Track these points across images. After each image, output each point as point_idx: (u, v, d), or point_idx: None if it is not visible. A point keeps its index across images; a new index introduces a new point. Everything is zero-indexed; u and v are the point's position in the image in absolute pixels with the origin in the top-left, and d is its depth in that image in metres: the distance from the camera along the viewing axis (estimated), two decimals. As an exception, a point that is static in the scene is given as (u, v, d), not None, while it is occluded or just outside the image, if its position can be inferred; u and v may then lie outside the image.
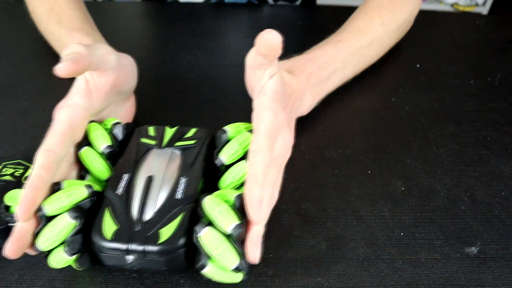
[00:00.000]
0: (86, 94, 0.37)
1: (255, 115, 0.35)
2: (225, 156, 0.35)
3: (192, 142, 0.36)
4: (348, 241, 0.38)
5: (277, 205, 0.40)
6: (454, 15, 0.81)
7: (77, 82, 0.38)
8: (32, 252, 0.31)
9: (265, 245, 0.37)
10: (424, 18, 0.69)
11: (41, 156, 0.32)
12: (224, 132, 0.36)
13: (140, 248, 0.29)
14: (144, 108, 0.50)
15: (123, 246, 0.30)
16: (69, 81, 0.54)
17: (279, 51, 0.32)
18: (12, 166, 0.39)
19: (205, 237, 0.30)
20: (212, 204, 0.31)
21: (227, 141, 0.36)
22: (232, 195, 0.31)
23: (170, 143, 0.36)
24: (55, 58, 0.58)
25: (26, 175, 0.38)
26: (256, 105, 0.36)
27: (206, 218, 0.31)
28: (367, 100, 0.52)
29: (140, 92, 0.53)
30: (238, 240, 0.30)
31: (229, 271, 0.30)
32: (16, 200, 0.34)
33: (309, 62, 0.46)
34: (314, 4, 0.80)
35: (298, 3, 0.73)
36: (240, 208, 0.31)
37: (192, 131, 0.38)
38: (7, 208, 0.35)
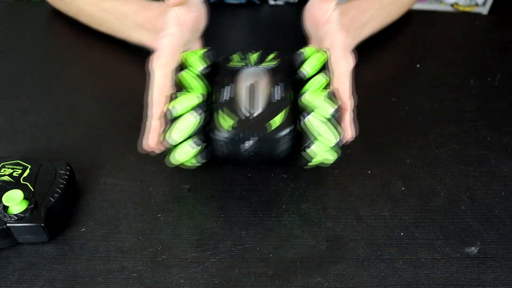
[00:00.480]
0: (180, 25, 0.43)
1: (327, 38, 0.43)
2: (307, 69, 0.41)
3: (275, 62, 0.43)
4: (348, 241, 0.38)
5: (277, 205, 0.40)
6: (454, 15, 0.81)
7: (170, 17, 0.43)
8: (160, 149, 0.39)
9: (265, 245, 0.37)
10: (424, 18, 0.69)
11: (157, 74, 0.39)
12: (301, 52, 0.42)
13: (256, 134, 0.36)
14: (144, 108, 0.50)
15: (241, 134, 0.36)
16: (69, 82, 0.54)
17: None
18: (10, 166, 0.39)
19: (311, 121, 0.37)
20: (312, 97, 0.38)
21: (304, 60, 0.42)
22: (323, 92, 0.38)
23: (257, 64, 0.43)
24: (55, 58, 0.58)
25: (24, 175, 0.38)
26: (326, 30, 0.43)
27: (309, 108, 0.37)
28: (367, 100, 0.52)
29: (141, 92, 0.53)
30: (335, 124, 0.37)
31: (329, 149, 0.38)
32: (15, 200, 0.34)
33: (350, 8, 0.54)
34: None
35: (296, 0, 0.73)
36: (331, 99, 0.38)
37: (272, 55, 0.44)
38: (6, 208, 0.35)
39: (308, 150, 0.37)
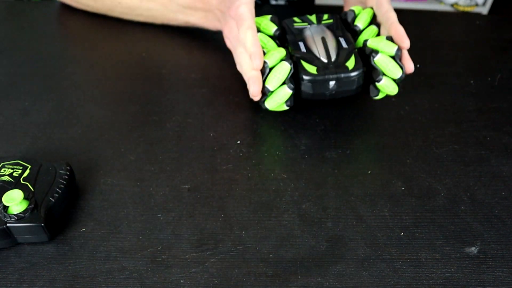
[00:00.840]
0: None
1: (379, 7, 0.49)
2: (360, 22, 0.49)
3: (331, 20, 0.51)
4: (348, 241, 0.38)
5: (277, 205, 0.40)
6: (454, 15, 0.81)
7: None
8: (259, 96, 0.45)
9: (265, 245, 0.37)
10: (424, 18, 0.69)
11: (249, 34, 0.45)
12: (352, 10, 0.50)
13: (338, 75, 0.44)
14: (144, 107, 0.50)
15: (327, 76, 0.44)
16: (69, 82, 0.54)
17: None
18: (10, 166, 0.39)
19: (380, 59, 0.45)
20: (376, 42, 0.46)
21: (356, 16, 0.50)
22: (383, 37, 0.46)
23: (318, 23, 0.51)
24: (55, 58, 0.58)
25: (24, 175, 0.38)
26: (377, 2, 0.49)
27: (375, 49, 0.45)
28: (367, 100, 0.52)
29: (141, 92, 0.53)
30: (398, 59, 0.45)
31: (394, 82, 0.46)
32: (15, 200, 0.34)
33: None
34: (313, 3, 0.80)
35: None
36: (392, 41, 0.46)
37: (326, 15, 0.52)
38: (6, 208, 0.35)
39: (378, 84, 0.45)
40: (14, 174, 0.38)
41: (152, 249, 0.37)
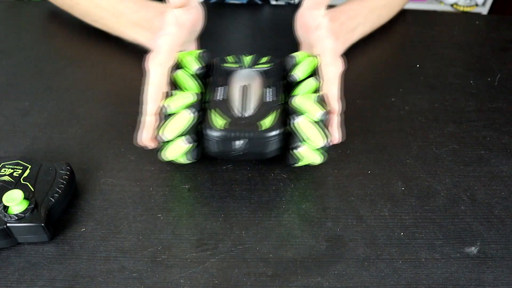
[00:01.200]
0: (178, 26, 0.44)
1: (317, 44, 0.44)
2: (298, 73, 0.42)
3: (268, 65, 0.44)
4: (348, 241, 0.38)
5: (277, 205, 0.40)
6: (454, 15, 0.81)
7: (169, 18, 0.44)
8: (154, 144, 0.40)
9: (265, 245, 0.37)
10: (424, 18, 0.69)
11: (154, 71, 0.41)
12: (293, 57, 0.44)
13: (247, 134, 0.37)
14: (140, 105, 0.50)
15: (233, 134, 0.37)
16: (69, 82, 0.54)
17: None
18: (10, 166, 0.39)
19: (300, 123, 0.38)
20: (301, 100, 0.39)
21: (296, 64, 0.43)
22: (313, 96, 0.40)
23: (251, 66, 0.44)
24: (55, 58, 0.58)
25: (24, 175, 0.38)
26: (316, 37, 0.45)
27: (298, 111, 0.39)
28: (367, 100, 0.52)
29: (140, 92, 0.53)
30: (323, 127, 0.39)
31: (317, 151, 0.39)
32: (15, 200, 0.34)
33: (340, 13, 0.54)
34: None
35: (296, 1, 0.73)
36: (320, 103, 0.39)
37: (265, 58, 0.45)
38: (6, 208, 0.35)
39: (296, 151, 0.39)
40: (14, 174, 0.38)
41: (152, 249, 0.37)
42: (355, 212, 0.40)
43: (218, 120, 0.38)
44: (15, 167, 0.39)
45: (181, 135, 0.38)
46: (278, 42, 0.62)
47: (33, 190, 0.37)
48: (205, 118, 0.39)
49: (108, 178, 0.42)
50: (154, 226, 0.38)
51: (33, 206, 0.35)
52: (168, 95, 0.40)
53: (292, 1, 0.72)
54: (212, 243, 0.37)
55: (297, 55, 0.44)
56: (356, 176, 0.43)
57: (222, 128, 0.37)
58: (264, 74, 0.43)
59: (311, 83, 0.42)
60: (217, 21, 0.67)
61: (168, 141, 0.38)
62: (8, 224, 0.34)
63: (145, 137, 0.40)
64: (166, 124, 0.38)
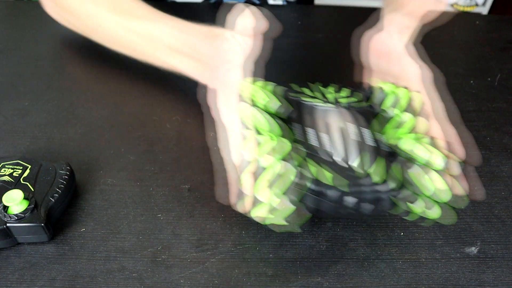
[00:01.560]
0: (245, 56, 0.37)
1: (407, 74, 0.38)
2: (394, 110, 0.37)
3: (355, 99, 0.38)
4: (348, 241, 0.38)
5: (277, 205, 0.40)
6: (454, 15, 0.81)
7: (234, 45, 0.37)
8: (247, 208, 0.33)
9: (265, 245, 0.37)
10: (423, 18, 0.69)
11: (233, 117, 0.34)
12: (382, 89, 0.38)
13: (364, 191, 0.31)
14: (144, 107, 0.50)
15: (346, 189, 0.31)
16: (69, 82, 0.54)
17: None
18: (10, 166, 0.39)
19: (418, 174, 0.32)
20: (412, 144, 0.33)
21: (385, 97, 0.38)
22: (422, 138, 0.34)
23: (336, 100, 0.37)
24: (55, 58, 0.58)
25: (24, 175, 0.38)
26: (403, 65, 0.39)
27: (410, 156, 0.33)
28: (367, 100, 0.52)
29: (141, 92, 0.53)
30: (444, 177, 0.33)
31: (435, 203, 0.33)
32: (15, 200, 0.34)
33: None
34: (312, 4, 0.80)
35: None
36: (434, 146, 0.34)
37: (345, 90, 0.39)
38: (6, 208, 0.35)
39: (411, 205, 0.33)
40: (14, 174, 0.38)
41: (152, 249, 0.37)
42: (355, 212, 0.40)
43: (326, 174, 0.32)
44: (15, 167, 0.39)
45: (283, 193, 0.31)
46: (278, 41, 0.62)
47: (33, 190, 0.37)
48: (306, 171, 0.32)
49: (108, 178, 0.42)
50: (154, 226, 0.38)
51: (33, 206, 0.35)
52: (255, 142, 0.33)
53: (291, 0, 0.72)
54: (212, 243, 0.37)
55: (385, 86, 0.39)
56: (356, 176, 0.43)
57: (332, 184, 0.31)
58: (353, 109, 0.36)
59: (408, 119, 0.36)
60: (216, 21, 0.67)
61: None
62: (8, 224, 0.34)
63: (241, 206, 0.33)
64: (262, 181, 0.31)
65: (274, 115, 0.35)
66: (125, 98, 0.52)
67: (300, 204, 0.32)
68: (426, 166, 0.33)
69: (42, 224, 0.35)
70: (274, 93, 0.37)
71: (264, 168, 0.32)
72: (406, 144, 0.34)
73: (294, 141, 0.34)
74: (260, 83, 0.38)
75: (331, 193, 0.31)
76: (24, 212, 0.35)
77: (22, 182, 0.37)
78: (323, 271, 0.35)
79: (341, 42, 0.59)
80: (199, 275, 0.35)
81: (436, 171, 0.33)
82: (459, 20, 0.71)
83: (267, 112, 0.35)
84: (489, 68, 0.58)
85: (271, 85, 0.37)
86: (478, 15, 0.73)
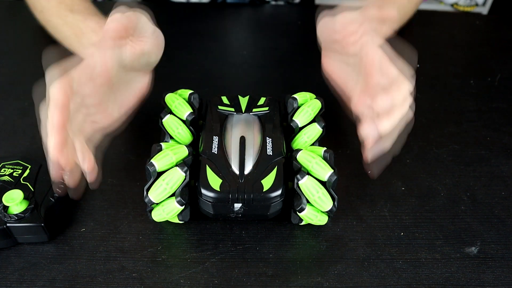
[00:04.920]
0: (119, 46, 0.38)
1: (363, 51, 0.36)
2: (300, 119, 0.40)
3: (266, 108, 0.41)
4: (348, 241, 0.38)
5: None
6: (454, 15, 0.81)
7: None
8: (77, 194, 0.34)
9: (265, 245, 0.37)
10: (424, 18, 0.69)
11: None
12: (295, 99, 0.41)
13: (247, 196, 0.34)
14: (144, 107, 0.50)
15: (231, 196, 0.34)
16: (69, 81, 0.54)
17: None
18: (10, 166, 0.39)
19: (306, 184, 0.34)
20: (307, 157, 0.36)
21: (298, 107, 0.41)
22: (320, 150, 0.37)
23: (248, 110, 0.41)
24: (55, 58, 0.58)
25: (24, 175, 0.38)
26: (361, 44, 0.37)
27: (304, 169, 0.36)
28: (367, 100, 0.52)
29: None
30: (331, 187, 0.35)
31: (321, 213, 0.36)
32: (15, 200, 0.34)
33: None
34: (313, 4, 0.80)
35: (297, 1, 0.73)
36: (328, 161, 0.36)
37: (262, 99, 0.42)
38: (6, 208, 0.35)
39: (301, 214, 0.35)
40: (14, 174, 0.38)
41: (152, 249, 0.37)
42: (355, 212, 0.40)
43: (214, 179, 0.35)
44: (15, 167, 0.39)
45: (171, 196, 0.35)
46: (278, 42, 0.62)
47: (33, 190, 0.37)
48: (199, 175, 0.35)
49: (108, 178, 0.42)
50: (154, 226, 0.38)
51: (33, 206, 0.35)
52: (157, 150, 0.36)
53: (292, 0, 0.72)
54: (212, 243, 0.37)
55: (299, 96, 0.41)
56: (356, 176, 0.43)
57: (218, 189, 0.34)
58: (263, 118, 0.40)
59: (314, 129, 0.39)
60: (217, 21, 0.67)
61: (157, 203, 0.35)
62: (8, 224, 0.34)
63: (71, 183, 0.34)
64: (155, 184, 0.35)
65: (186, 122, 0.39)
66: (125, 98, 0.51)
67: (187, 205, 0.35)
68: (315, 177, 0.35)
69: (42, 224, 0.35)
70: (189, 101, 0.41)
71: (157, 172, 0.35)
72: (303, 156, 0.36)
73: (200, 147, 0.38)
74: (180, 91, 0.42)
75: (221, 198, 0.34)
76: (24, 212, 0.35)
77: (22, 182, 0.37)
78: (323, 271, 0.35)
79: (341, 42, 0.59)
80: (199, 275, 0.35)
81: (325, 183, 0.35)
82: (459, 20, 0.71)
83: (180, 119, 0.39)
84: (489, 68, 0.58)
85: (187, 93, 0.41)
86: (478, 15, 0.73)
